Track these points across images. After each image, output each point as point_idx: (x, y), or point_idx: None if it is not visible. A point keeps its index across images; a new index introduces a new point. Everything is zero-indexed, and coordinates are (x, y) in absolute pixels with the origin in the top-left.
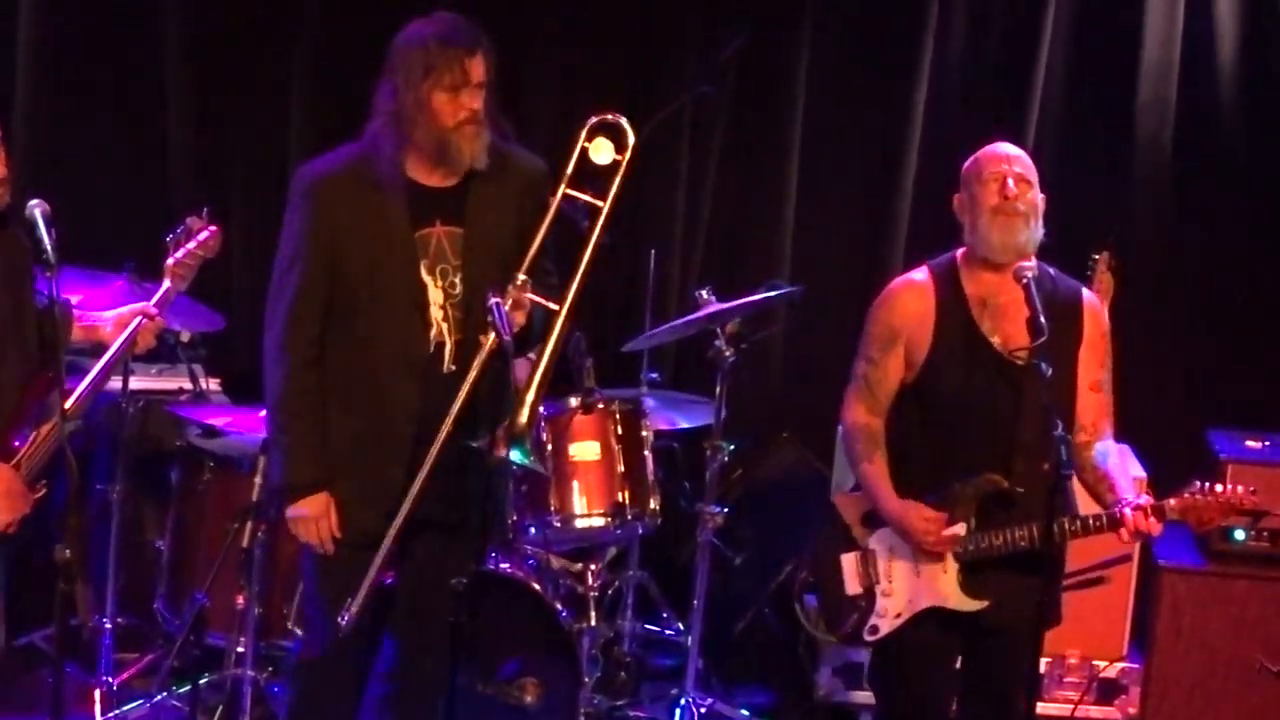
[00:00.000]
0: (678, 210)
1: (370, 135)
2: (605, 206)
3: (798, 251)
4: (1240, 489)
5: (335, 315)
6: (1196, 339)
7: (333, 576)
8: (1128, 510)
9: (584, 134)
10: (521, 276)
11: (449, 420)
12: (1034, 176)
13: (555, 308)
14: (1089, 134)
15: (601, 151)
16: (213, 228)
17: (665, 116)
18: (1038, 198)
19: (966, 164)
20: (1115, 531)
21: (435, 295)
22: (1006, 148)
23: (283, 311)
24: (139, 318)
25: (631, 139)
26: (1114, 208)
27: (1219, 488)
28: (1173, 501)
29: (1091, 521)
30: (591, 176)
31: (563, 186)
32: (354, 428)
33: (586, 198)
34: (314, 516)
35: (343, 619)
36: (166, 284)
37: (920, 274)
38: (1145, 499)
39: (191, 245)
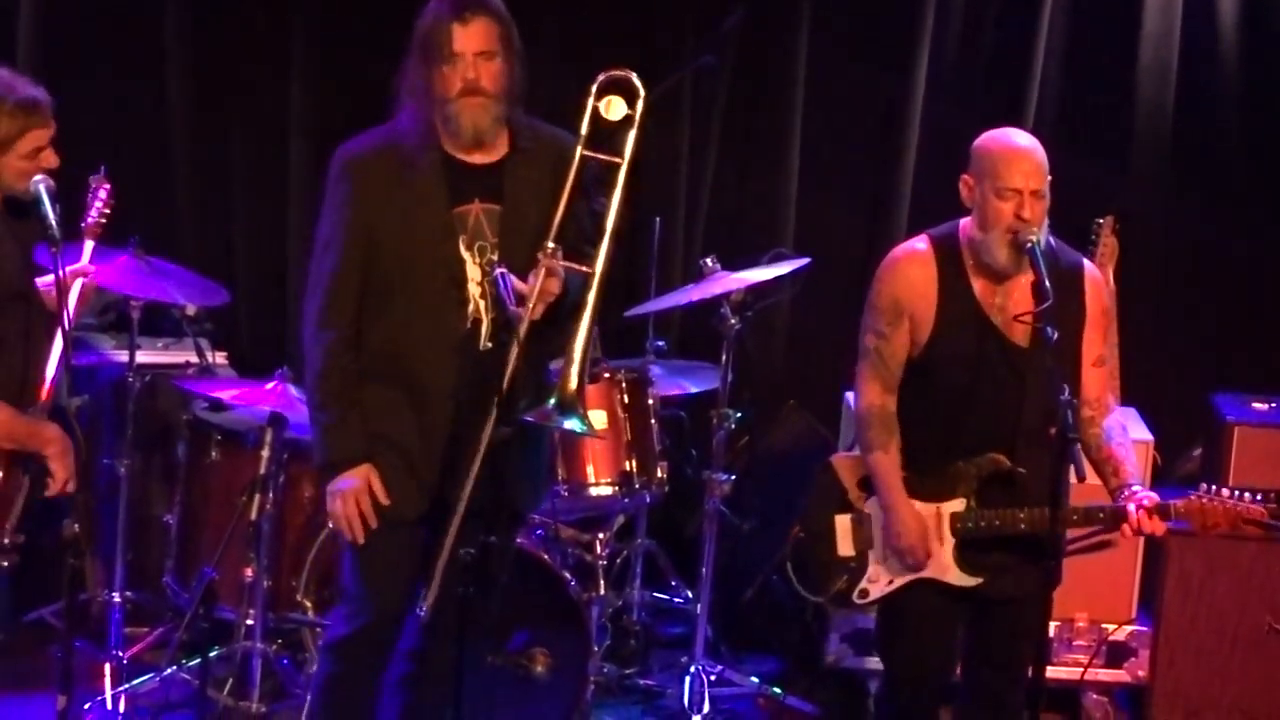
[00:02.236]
0: (681, 179)
1: (403, 113)
2: (624, 162)
3: (801, 219)
4: (1248, 496)
5: (372, 293)
6: (1201, 302)
7: (372, 554)
8: (1132, 508)
9: (594, 92)
10: (550, 244)
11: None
12: (1047, 179)
13: (588, 270)
14: (1090, 99)
15: (613, 108)
16: (108, 185)
17: (668, 87)
18: (1047, 204)
19: (980, 148)
20: (1118, 526)
21: (473, 272)
22: (1021, 145)
23: (320, 291)
24: (80, 279)
25: (642, 92)
26: (1116, 172)
27: (1225, 492)
28: (1179, 503)
29: (1096, 513)
30: (605, 135)
31: (579, 148)
32: (391, 405)
33: (604, 156)
34: (355, 490)
35: (421, 610)
36: (90, 243)
37: (921, 243)
38: (1150, 498)
39: (99, 204)
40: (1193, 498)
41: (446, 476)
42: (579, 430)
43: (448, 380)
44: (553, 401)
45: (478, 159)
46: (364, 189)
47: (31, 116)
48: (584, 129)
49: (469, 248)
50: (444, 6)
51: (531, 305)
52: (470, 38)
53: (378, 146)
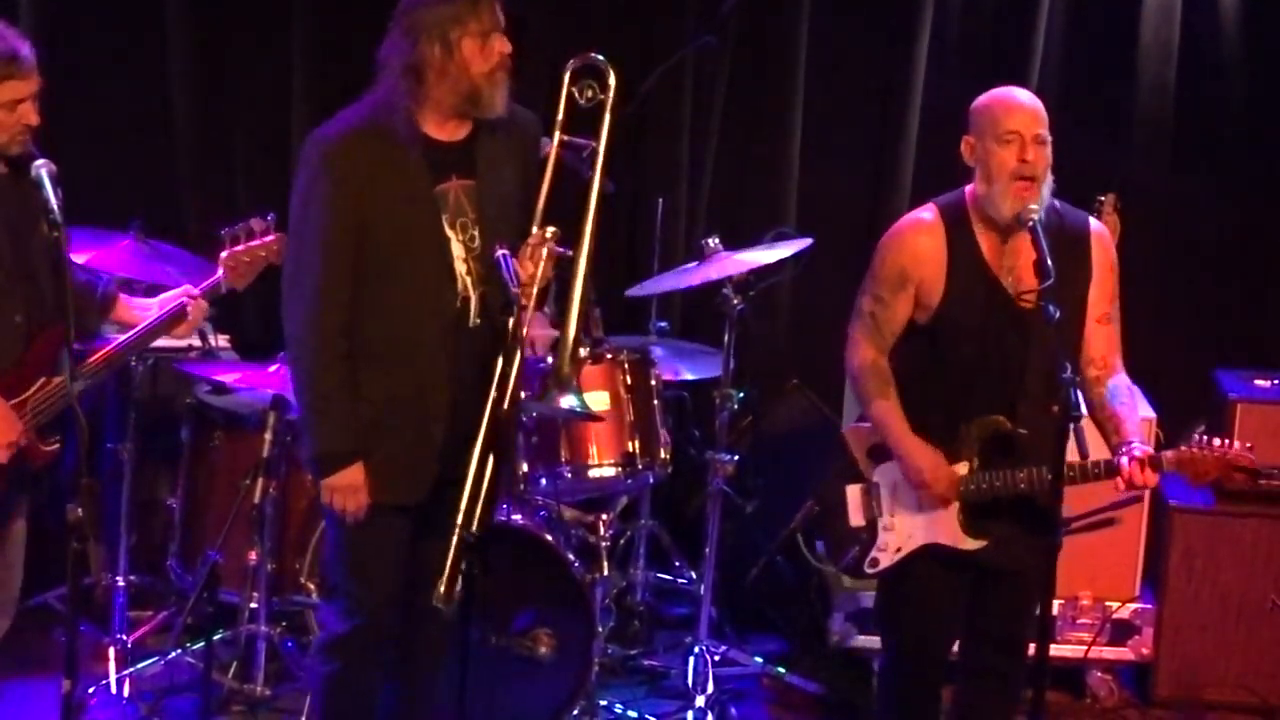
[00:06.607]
0: (683, 158)
1: (382, 93)
2: (600, 145)
3: (803, 198)
4: (1239, 445)
5: (363, 280)
6: (1203, 279)
7: (366, 544)
8: (1124, 460)
9: (566, 78)
10: (549, 229)
11: (511, 384)
12: (1047, 129)
13: (570, 254)
14: (1092, 76)
15: (587, 93)
16: (275, 234)
17: (670, 66)
18: (1049, 152)
19: (978, 105)
20: (1112, 479)
21: (458, 250)
22: (1020, 97)
23: (310, 286)
24: (180, 299)
25: (613, 77)
26: (1117, 150)
27: (1217, 442)
28: (1169, 454)
29: (1090, 468)
30: (584, 120)
31: (557, 134)
32: (387, 391)
33: (582, 140)
34: (350, 486)
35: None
36: (219, 273)
37: (928, 213)
38: (1143, 450)
39: (253, 243)
40: (1183, 449)
41: (446, 459)
42: (577, 409)
43: (443, 360)
44: (551, 385)
45: (449, 135)
46: (350, 179)
47: (10, 67)
48: (559, 115)
49: (452, 225)
50: None
51: (536, 291)
52: (497, 12)
53: (358, 131)
